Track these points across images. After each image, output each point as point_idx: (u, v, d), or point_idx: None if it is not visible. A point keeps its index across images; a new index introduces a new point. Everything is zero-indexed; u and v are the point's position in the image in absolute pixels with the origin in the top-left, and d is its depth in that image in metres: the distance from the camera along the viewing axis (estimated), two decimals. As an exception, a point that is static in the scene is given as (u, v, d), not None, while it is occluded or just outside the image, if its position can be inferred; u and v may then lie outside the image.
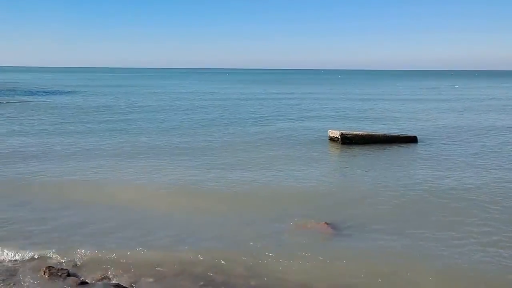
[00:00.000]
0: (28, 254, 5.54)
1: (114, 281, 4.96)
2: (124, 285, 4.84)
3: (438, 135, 15.61)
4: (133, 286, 4.87)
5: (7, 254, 5.55)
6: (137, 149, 12.52)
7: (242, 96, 34.83)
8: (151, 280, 5.02)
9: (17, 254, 5.54)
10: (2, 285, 4.82)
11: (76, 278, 4.97)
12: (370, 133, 14.55)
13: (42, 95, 33.30)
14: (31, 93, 34.25)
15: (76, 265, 5.35)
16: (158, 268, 5.26)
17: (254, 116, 20.87)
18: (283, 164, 10.92)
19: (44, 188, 8.60)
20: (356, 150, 12.93)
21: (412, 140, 14.22)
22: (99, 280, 4.97)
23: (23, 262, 5.39)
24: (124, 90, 42.17)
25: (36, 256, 5.50)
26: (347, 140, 13.74)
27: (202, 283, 4.96)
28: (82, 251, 5.60)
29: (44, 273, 5.02)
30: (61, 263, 5.35)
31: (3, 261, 5.45)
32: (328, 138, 14.27)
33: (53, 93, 35.83)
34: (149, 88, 47.08)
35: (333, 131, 14.31)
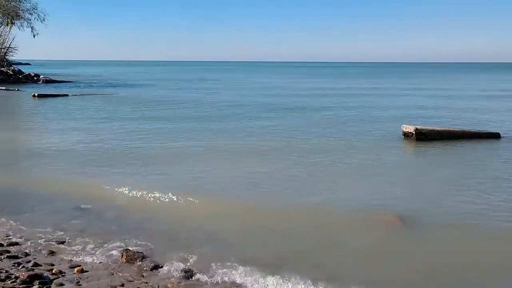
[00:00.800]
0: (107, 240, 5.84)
1: (187, 266, 5.06)
2: (195, 270, 4.95)
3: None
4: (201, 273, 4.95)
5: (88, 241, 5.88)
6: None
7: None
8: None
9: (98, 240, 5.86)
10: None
11: (151, 261, 5.16)
12: (447, 128, 13.86)
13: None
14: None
15: (151, 248, 5.57)
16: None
17: (329, 107, 20.65)
18: (352, 157, 10.72)
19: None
20: (432, 146, 12.36)
21: (494, 136, 13.37)
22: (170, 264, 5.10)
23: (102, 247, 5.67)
24: (213, 84, 42.86)
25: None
26: (422, 136, 13.15)
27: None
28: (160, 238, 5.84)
29: (122, 256, 5.27)
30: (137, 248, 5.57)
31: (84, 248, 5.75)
32: (401, 133, 13.75)
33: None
34: (241, 82, 47.49)
35: (407, 126, 13.75)
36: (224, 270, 4.90)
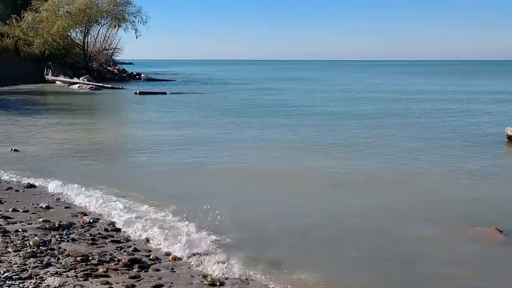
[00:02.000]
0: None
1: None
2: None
3: None
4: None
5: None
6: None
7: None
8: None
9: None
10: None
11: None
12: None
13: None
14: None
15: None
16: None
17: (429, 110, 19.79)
18: (449, 161, 10.19)
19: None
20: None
21: None
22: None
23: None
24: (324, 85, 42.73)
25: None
26: (530, 140, 12.16)
27: None
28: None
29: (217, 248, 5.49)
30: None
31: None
32: (506, 136, 12.78)
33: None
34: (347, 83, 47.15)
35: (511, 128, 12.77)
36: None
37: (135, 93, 28.09)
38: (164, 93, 28.97)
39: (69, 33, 40.84)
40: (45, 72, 37.00)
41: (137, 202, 7.11)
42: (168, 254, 5.32)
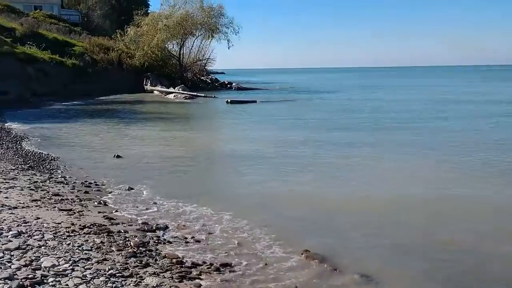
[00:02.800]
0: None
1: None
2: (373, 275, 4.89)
3: None
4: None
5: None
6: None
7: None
8: None
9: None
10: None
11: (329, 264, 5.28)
12: None
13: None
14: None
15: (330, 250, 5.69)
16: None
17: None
18: None
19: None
20: None
21: None
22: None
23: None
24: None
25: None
26: None
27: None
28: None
29: (302, 254, 5.51)
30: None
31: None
32: None
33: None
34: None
35: None
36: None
37: (227, 101, 28.96)
38: (254, 101, 29.56)
39: (166, 45, 43.21)
40: (144, 83, 39.45)
41: (237, 217, 7.29)
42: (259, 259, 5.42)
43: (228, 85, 46.13)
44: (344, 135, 15.15)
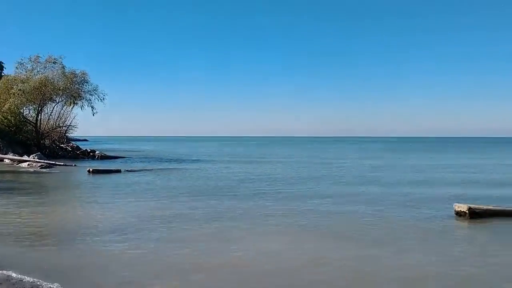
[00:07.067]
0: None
1: None
2: None
3: None
4: None
5: None
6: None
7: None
8: None
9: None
10: None
11: None
12: (503, 208, 13.26)
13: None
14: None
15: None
16: None
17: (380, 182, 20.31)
18: (405, 237, 10.34)
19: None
20: (486, 225, 11.80)
21: (556, 216, 12.58)
22: None
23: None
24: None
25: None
26: (476, 215, 12.66)
27: None
28: None
29: None
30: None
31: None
32: (454, 212, 13.24)
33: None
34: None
35: (459, 205, 13.26)
36: None
37: (88, 171, 27.43)
38: (119, 171, 28.47)
39: (21, 110, 40.26)
40: (-7, 150, 35.84)
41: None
42: None
43: (91, 153, 43.96)
44: (216, 203, 15.21)
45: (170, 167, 32.87)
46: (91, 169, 27.77)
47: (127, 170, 28.68)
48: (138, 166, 32.89)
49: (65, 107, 42.68)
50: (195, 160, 41.68)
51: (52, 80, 40.25)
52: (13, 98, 37.32)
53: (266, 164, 37.37)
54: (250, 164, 36.80)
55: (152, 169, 30.27)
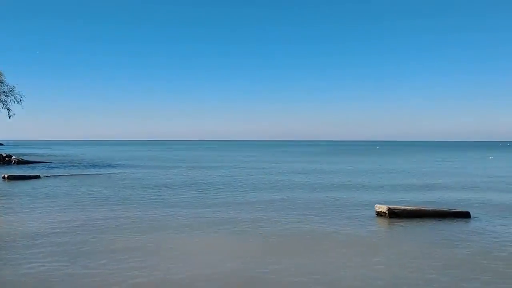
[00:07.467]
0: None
1: None
2: None
3: (492, 210, 14.82)
4: None
5: None
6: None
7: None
8: None
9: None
10: None
11: None
12: (419, 208, 14.00)
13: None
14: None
15: None
16: None
17: (301, 185, 20.73)
18: (330, 238, 10.62)
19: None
20: (404, 225, 12.40)
21: (465, 215, 13.51)
22: None
23: None
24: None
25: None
26: (395, 215, 13.28)
27: None
28: None
29: None
30: None
31: None
32: (375, 212, 13.82)
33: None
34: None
35: (380, 205, 13.87)
36: None
37: (3, 177, 25.65)
38: (38, 176, 26.89)
39: None
40: None
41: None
42: None
43: (7, 158, 41.19)
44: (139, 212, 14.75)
45: (94, 172, 31.53)
46: (6, 175, 26.00)
47: (46, 176, 27.18)
48: (59, 171, 31.27)
49: (-24, 109, 39.69)
50: (118, 164, 40.34)
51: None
52: None
53: (198, 169, 37.00)
54: (178, 169, 36.24)
55: (73, 175, 28.89)
